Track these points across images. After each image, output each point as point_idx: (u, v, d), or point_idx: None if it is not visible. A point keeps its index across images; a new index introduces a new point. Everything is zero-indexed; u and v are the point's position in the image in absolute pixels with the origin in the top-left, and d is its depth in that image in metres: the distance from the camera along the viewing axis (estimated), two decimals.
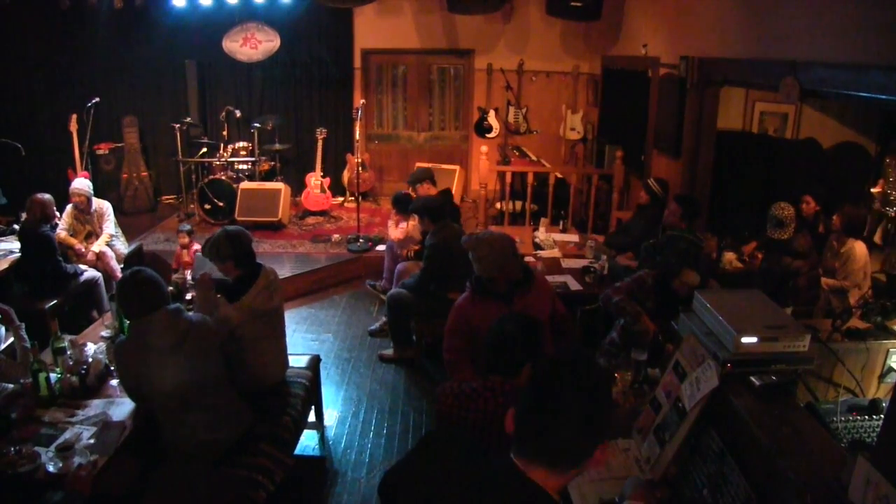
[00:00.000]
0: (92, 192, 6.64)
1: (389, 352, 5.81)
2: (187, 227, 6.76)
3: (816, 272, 5.42)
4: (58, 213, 6.17)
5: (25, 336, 3.85)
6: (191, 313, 3.48)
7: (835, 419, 2.57)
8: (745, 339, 2.45)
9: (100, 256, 6.42)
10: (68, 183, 6.73)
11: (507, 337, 2.88)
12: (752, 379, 2.44)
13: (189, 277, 5.85)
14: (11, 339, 4.33)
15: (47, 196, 5.76)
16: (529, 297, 3.73)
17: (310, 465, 4.41)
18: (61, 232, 6.28)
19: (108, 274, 6.37)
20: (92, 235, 6.59)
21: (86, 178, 7.43)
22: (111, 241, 6.67)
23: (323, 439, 4.68)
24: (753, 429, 2.25)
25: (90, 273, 6.12)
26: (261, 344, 3.91)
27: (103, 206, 6.74)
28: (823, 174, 6.84)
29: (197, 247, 6.57)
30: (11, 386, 3.56)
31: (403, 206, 6.52)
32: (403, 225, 6.70)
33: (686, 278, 4.06)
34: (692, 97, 6.18)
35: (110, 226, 6.70)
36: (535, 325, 3.00)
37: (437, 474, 1.74)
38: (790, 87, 4.42)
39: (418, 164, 9.56)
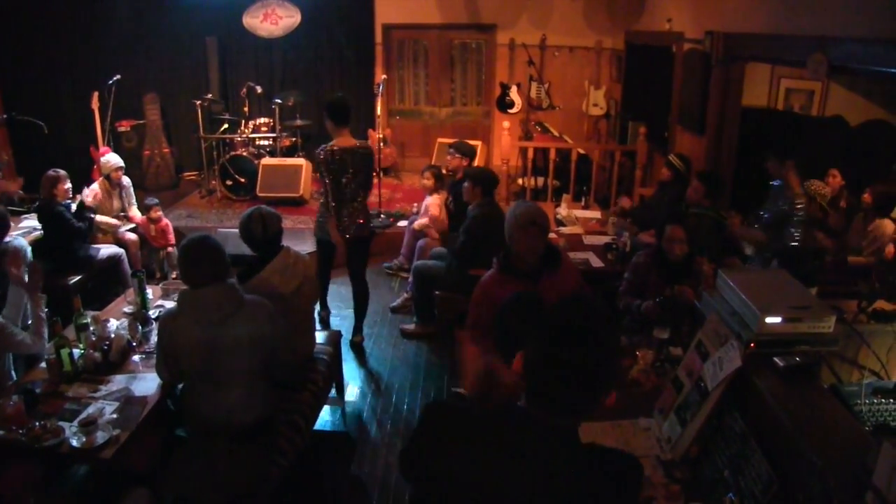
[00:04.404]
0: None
1: (412, 326, 5.84)
2: (155, 200, 6.74)
3: (844, 253, 5.35)
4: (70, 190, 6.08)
5: (45, 307, 3.84)
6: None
7: (859, 402, 2.55)
8: (769, 319, 2.44)
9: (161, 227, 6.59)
10: (90, 160, 6.73)
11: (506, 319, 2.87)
12: (776, 360, 2.43)
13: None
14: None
15: (62, 171, 5.74)
16: (556, 278, 3.71)
17: (331, 439, 4.45)
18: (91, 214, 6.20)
19: (158, 242, 6.57)
20: (122, 214, 6.66)
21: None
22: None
23: (344, 414, 4.72)
24: (776, 410, 2.24)
25: (112, 250, 6.10)
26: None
27: (127, 181, 6.82)
28: (850, 152, 6.73)
29: (166, 221, 6.70)
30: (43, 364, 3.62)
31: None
32: (430, 199, 6.68)
33: (670, 235, 4.14)
34: (717, 73, 6.09)
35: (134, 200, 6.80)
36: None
37: (459, 441, 1.72)
38: (818, 62, 4.33)
39: (440, 140, 9.55)
